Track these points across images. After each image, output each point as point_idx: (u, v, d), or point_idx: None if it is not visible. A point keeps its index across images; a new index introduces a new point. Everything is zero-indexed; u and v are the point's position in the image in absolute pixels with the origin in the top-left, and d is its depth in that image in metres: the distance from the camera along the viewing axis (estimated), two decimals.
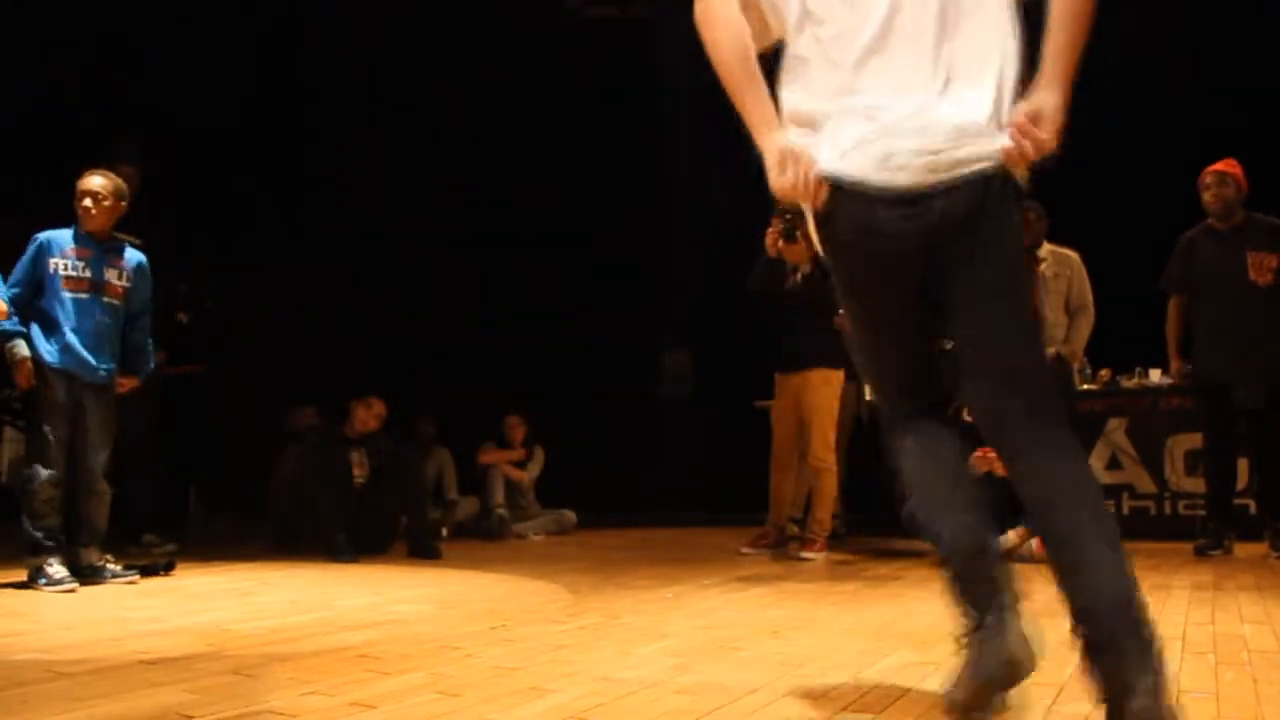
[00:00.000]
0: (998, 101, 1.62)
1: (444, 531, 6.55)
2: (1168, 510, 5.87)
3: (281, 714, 1.88)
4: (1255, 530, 5.02)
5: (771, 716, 1.84)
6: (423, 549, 5.26)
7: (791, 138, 1.71)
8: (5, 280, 4.01)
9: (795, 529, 5.43)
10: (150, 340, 4.41)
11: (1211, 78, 6.48)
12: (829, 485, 5.06)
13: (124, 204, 4.20)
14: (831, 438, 5.08)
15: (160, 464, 5.67)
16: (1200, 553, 4.81)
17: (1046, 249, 5.50)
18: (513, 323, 8.42)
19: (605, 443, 8.17)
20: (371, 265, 8.16)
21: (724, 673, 2.21)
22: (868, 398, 6.37)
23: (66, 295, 4.02)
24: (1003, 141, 1.60)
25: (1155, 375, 5.96)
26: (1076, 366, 5.78)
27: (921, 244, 1.64)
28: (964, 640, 1.77)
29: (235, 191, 7.62)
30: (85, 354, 4.02)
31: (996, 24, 1.65)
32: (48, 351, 3.98)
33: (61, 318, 4.01)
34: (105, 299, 4.12)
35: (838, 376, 5.11)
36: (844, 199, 1.66)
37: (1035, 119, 1.58)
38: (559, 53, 7.92)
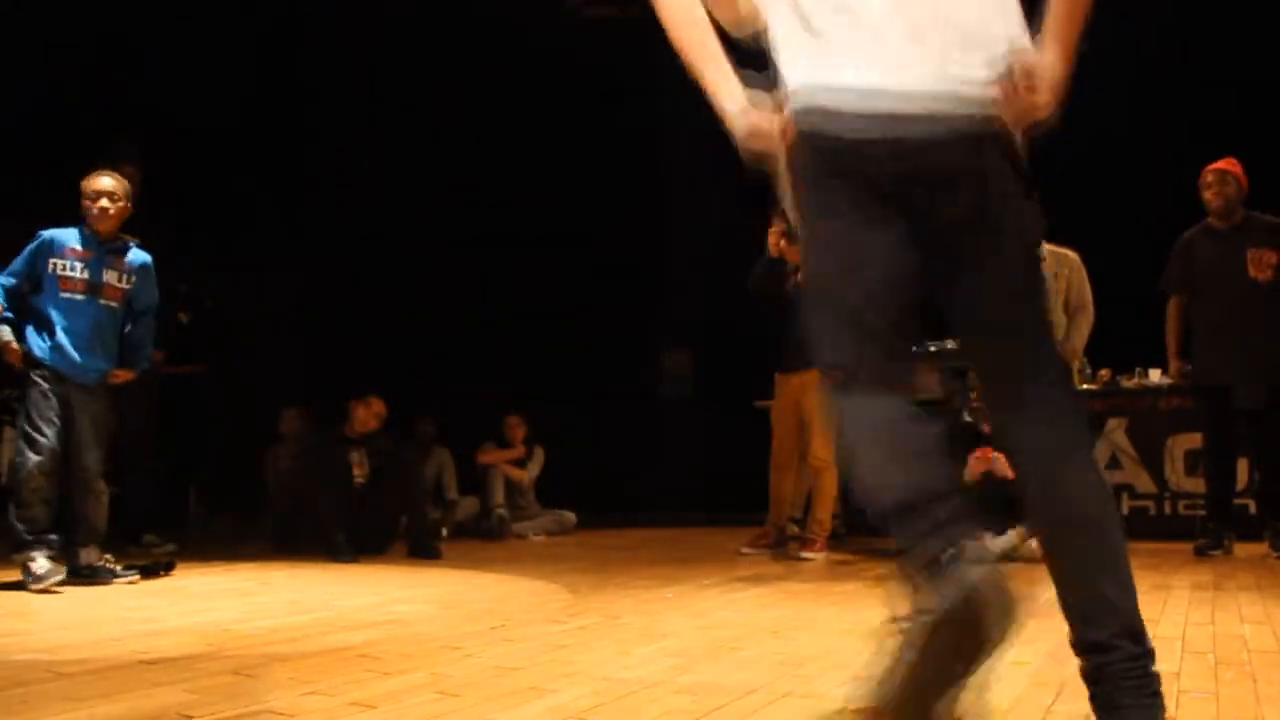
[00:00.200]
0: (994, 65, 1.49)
1: (444, 531, 6.56)
2: (1168, 510, 5.87)
3: (281, 714, 1.88)
4: (1255, 530, 5.02)
5: (771, 716, 1.84)
6: (423, 549, 5.26)
7: (749, 97, 1.59)
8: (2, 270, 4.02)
9: (795, 529, 5.43)
10: (150, 337, 4.40)
11: (1211, 75, 6.48)
12: (829, 485, 5.06)
13: (129, 205, 4.21)
14: (832, 438, 5.08)
15: (160, 464, 5.67)
16: (1200, 553, 4.81)
17: (1046, 249, 5.49)
18: (513, 323, 8.42)
19: (605, 443, 8.16)
20: (371, 265, 8.16)
21: (724, 673, 2.21)
22: None
23: (62, 296, 4.02)
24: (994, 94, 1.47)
25: (1155, 375, 5.96)
26: (1076, 366, 5.78)
27: (897, 180, 1.49)
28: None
29: (235, 191, 7.62)
30: (75, 355, 4.01)
31: None
32: (38, 348, 3.98)
33: (55, 317, 4.00)
34: (102, 301, 4.11)
35: None
36: (822, 118, 1.50)
37: (1029, 77, 1.46)
38: (559, 53, 7.92)
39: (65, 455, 4.03)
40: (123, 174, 5.30)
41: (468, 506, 6.95)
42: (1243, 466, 5.26)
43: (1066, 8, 1.50)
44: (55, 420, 3.98)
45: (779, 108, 1.55)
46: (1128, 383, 6.13)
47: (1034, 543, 4.60)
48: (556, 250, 8.30)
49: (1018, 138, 1.53)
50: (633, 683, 2.12)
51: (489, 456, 6.84)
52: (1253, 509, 5.31)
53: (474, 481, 6.90)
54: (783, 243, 4.99)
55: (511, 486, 6.83)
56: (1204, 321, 4.94)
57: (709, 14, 1.63)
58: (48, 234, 4.06)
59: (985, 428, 4.78)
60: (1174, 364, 5.12)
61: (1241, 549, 4.88)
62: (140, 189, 5.45)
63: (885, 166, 1.48)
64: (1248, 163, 4.96)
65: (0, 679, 2.18)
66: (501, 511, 6.65)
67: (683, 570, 4.40)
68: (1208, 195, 4.91)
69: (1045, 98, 1.47)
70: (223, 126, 7.29)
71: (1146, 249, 5.27)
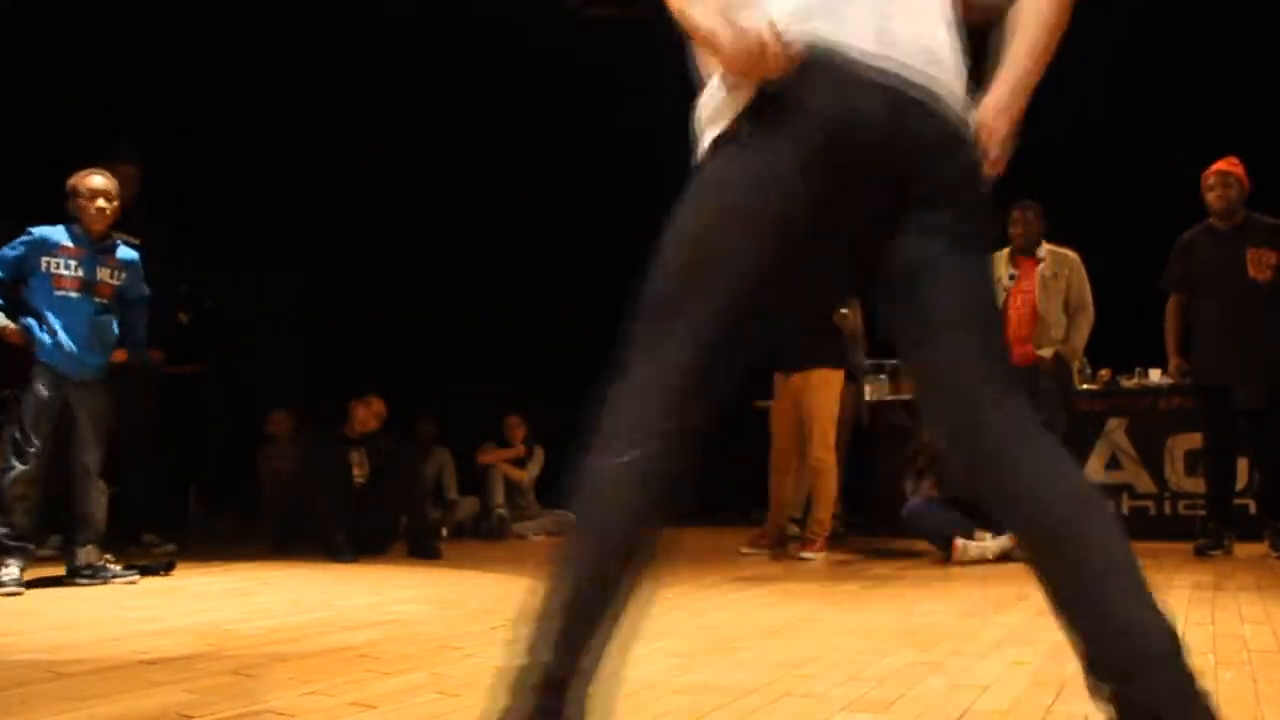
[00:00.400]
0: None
1: (444, 531, 6.56)
2: (1168, 510, 5.87)
3: (281, 714, 1.88)
4: (1255, 530, 5.03)
5: (771, 716, 1.84)
6: (423, 549, 5.26)
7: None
8: None
9: (795, 529, 5.43)
10: (144, 322, 4.40)
11: (1210, 74, 6.48)
12: (829, 485, 5.06)
13: (119, 204, 4.22)
14: (831, 438, 5.08)
15: (160, 463, 5.67)
16: (1200, 553, 4.81)
17: (1046, 249, 5.51)
18: (513, 323, 8.41)
19: None
20: (371, 265, 8.16)
21: (724, 673, 2.21)
22: (867, 398, 6.38)
23: (57, 294, 4.02)
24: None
25: (1155, 375, 5.96)
26: (1076, 366, 5.78)
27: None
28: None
29: (235, 191, 7.62)
30: (74, 349, 4.02)
31: None
32: (39, 343, 3.98)
33: (51, 315, 4.01)
34: (96, 298, 4.12)
35: (838, 377, 5.11)
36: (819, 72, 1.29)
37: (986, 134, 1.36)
38: (559, 53, 7.92)
39: (64, 454, 4.04)
40: (120, 174, 5.31)
41: (468, 506, 6.95)
42: (1243, 466, 5.26)
43: (1041, 45, 1.39)
44: (49, 426, 3.97)
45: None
46: (1128, 383, 6.13)
47: None
48: (556, 250, 8.29)
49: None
50: (633, 683, 2.12)
51: (489, 456, 6.85)
52: (1253, 509, 5.32)
53: (474, 481, 6.90)
54: None
55: (511, 486, 6.83)
56: (1204, 321, 4.94)
57: None
58: (39, 231, 4.06)
59: None
60: (1173, 362, 5.12)
61: (1241, 549, 4.88)
62: (140, 189, 5.46)
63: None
64: (1250, 161, 4.96)
65: (0, 679, 2.18)
66: (501, 511, 6.66)
67: (683, 570, 4.40)
68: (1210, 197, 4.92)
69: (999, 154, 1.39)
70: (223, 126, 7.29)
71: (1146, 249, 5.27)
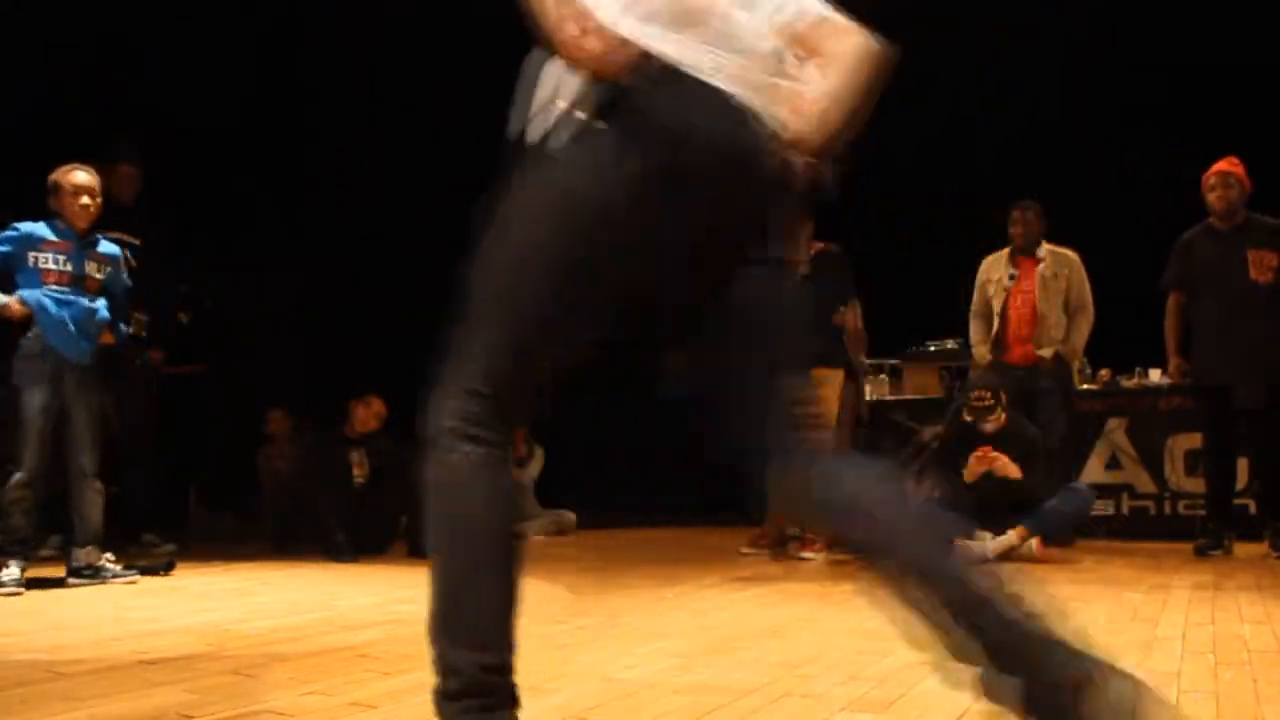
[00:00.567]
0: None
1: None
2: (1168, 510, 5.87)
3: (281, 714, 1.88)
4: (1255, 530, 5.02)
5: (771, 716, 1.84)
6: (423, 549, 5.25)
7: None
8: None
9: (795, 529, 5.42)
10: (124, 314, 4.40)
11: (1209, 74, 6.48)
12: None
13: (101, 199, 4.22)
14: (831, 438, 5.08)
15: (160, 463, 5.67)
16: (1200, 553, 4.81)
17: (1046, 249, 5.51)
18: None
19: (605, 443, 8.16)
20: (371, 265, 8.16)
21: (724, 673, 2.21)
22: (867, 397, 6.38)
23: (49, 288, 4.02)
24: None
25: (1155, 375, 5.96)
26: (1076, 366, 5.79)
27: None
28: None
29: (235, 191, 7.62)
30: (72, 328, 4.02)
31: None
32: (40, 316, 3.98)
33: (47, 303, 4.00)
34: (85, 292, 4.12)
35: (837, 376, 5.11)
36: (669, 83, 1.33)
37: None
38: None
39: (61, 454, 4.04)
40: (120, 174, 5.31)
41: None
42: (1243, 466, 5.26)
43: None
44: (46, 427, 3.97)
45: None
46: (1128, 383, 6.13)
47: (1034, 542, 4.61)
48: None
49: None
50: (633, 683, 2.12)
51: None
52: (1253, 509, 5.31)
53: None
54: None
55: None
56: (1204, 322, 4.94)
57: None
58: (24, 227, 4.06)
59: (985, 427, 4.78)
60: (1173, 361, 5.12)
61: (1241, 549, 4.88)
62: (140, 189, 5.47)
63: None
64: (1251, 161, 4.97)
65: (0, 679, 2.18)
66: None
67: (683, 570, 4.40)
68: (1211, 197, 4.91)
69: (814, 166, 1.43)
70: (223, 126, 7.29)
71: (1146, 249, 5.27)
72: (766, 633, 2.77)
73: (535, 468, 6.97)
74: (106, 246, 4.28)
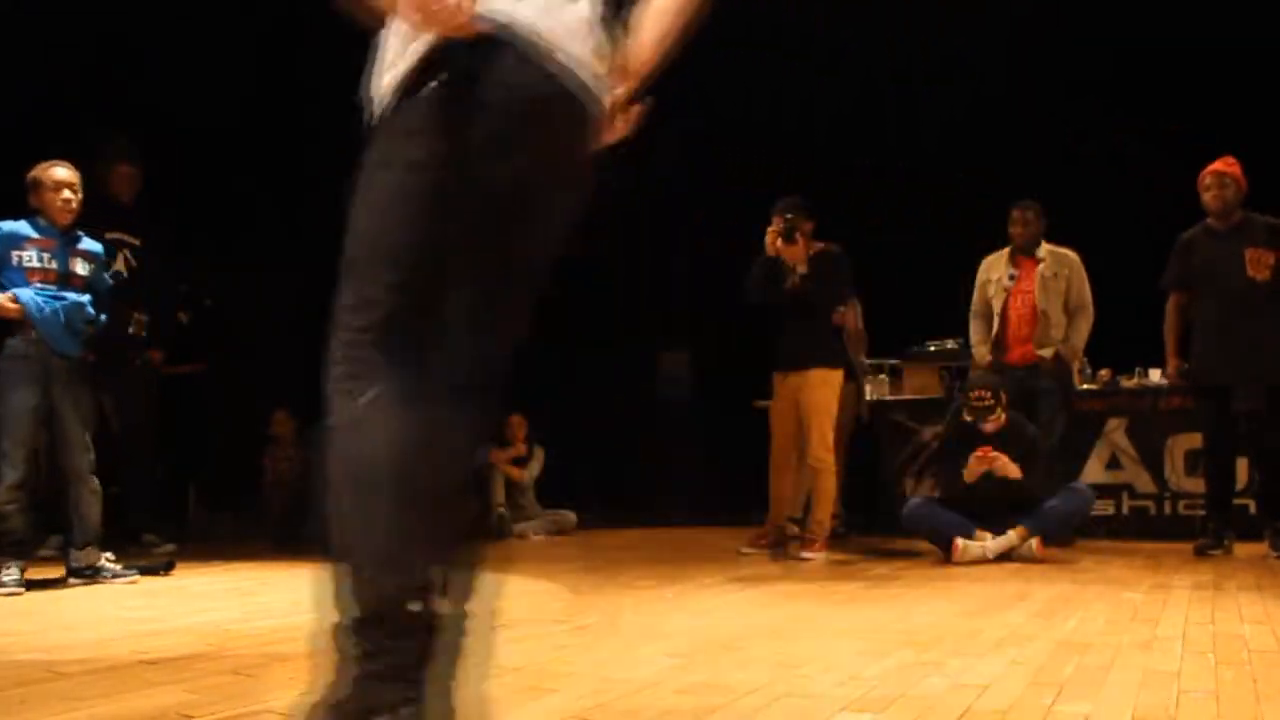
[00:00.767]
0: None
1: None
2: (1168, 510, 5.87)
3: (281, 714, 1.88)
4: (1255, 530, 5.02)
5: (771, 716, 1.84)
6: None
7: None
8: None
9: (795, 529, 5.43)
10: (105, 309, 4.36)
11: (1208, 74, 6.49)
12: (828, 485, 5.06)
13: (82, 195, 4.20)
14: (830, 437, 5.07)
15: (160, 463, 5.67)
16: (1200, 552, 4.81)
17: (1045, 249, 5.51)
18: None
19: (605, 443, 8.16)
20: None
21: (724, 673, 2.21)
22: (867, 397, 6.38)
23: (34, 286, 4.00)
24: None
25: (1155, 375, 5.96)
26: (1076, 366, 5.79)
27: None
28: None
29: (235, 191, 7.62)
30: (61, 320, 4.01)
31: None
32: (30, 307, 3.96)
33: (29, 308, 3.97)
34: (71, 289, 4.10)
35: (836, 376, 5.11)
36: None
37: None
38: None
39: (54, 460, 4.04)
40: (119, 174, 5.31)
41: None
42: (1243, 466, 5.26)
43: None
44: (35, 429, 3.96)
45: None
46: (1128, 383, 6.13)
47: (1034, 542, 4.61)
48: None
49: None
50: (633, 683, 2.12)
51: (489, 456, 6.84)
52: (1253, 509, 5.31)
53: (474, 481, 6.89)
54: (779, 242, 4.99)
55: (512, 486, 6.83)
56: (1203, 321, 4.94)
57: None
58: (5, 226, 4.04)
59: (985, 427, 4.78)
60: (1172, 362, 5.12)
61: (1241, 549, 4.88)
62: (140, 189, 5.46)
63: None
64: (1253, 161, 4.97)
65: (0, 679, 2.18)
66: (502, 511, 6.65)
67: (683, 570, 4.40)
68: (1206, 198, 4.92)
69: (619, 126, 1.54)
70: (223, 126, 7.29)
71: (1146, 249, 5.27)
72: (766, 633, 2.77)
73: (535, 468, 6.97)
74: (89, 243, 4.23)
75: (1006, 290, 5.50)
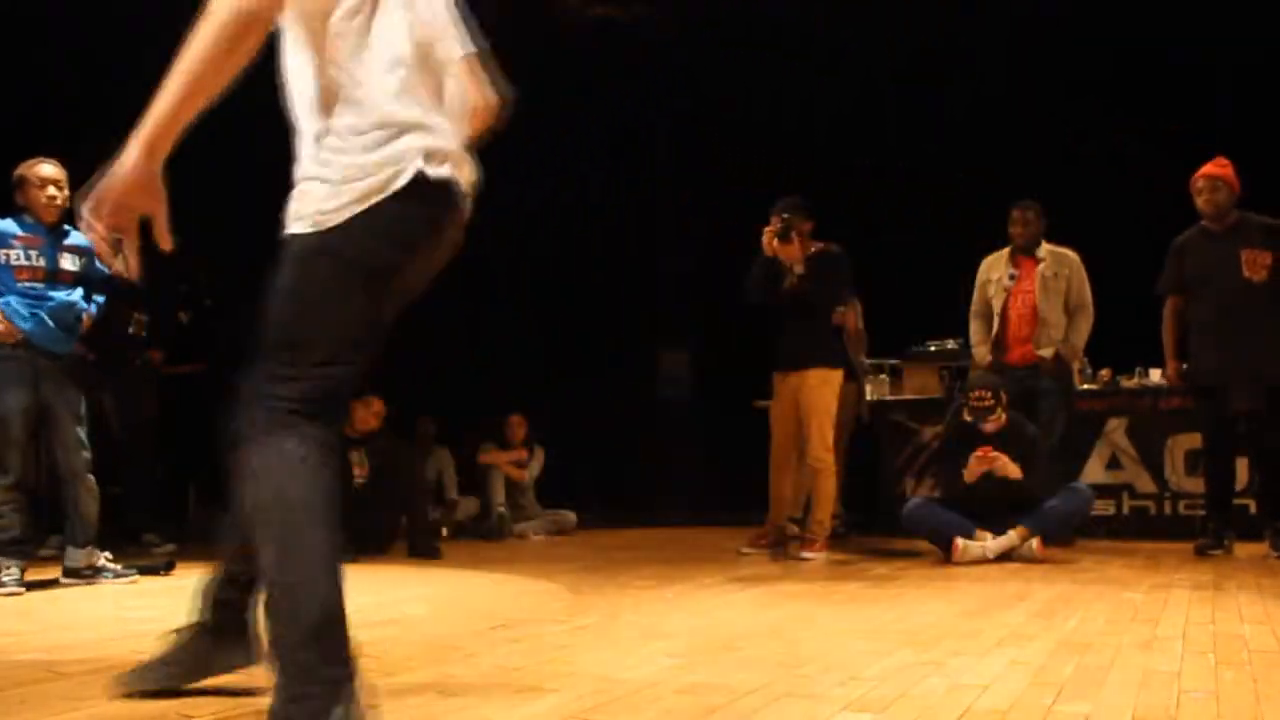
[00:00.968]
0: None
1: (444, 531, 6.55)
2: (1168, 510, 5.87)
3: None
4: (1255, 530, 5.02)
5: (771, 716, 1.84)
6: (423, 549, 5.26)
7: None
8: None
9: (795, 529, 5.43)
10: (102, 290, 4.34)
11: (1208, 74, 6.49)
12: (828, 485, 5.06)
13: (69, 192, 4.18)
14: (830, 437, 5.07)
15: (160, 463, 5.67)
16: (1200, 552, 4.81)
17: (1046, 248, 5.51)
18: (513, 323, 8.41)
19: (605, 443, 8.16)
20: None
21: (724, 673, 2.21)
22: (867, 397, 6.38)
23: (21, 285, 3.98)
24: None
25: (1155, 375, 5.96)
26: (1076, 366, 5.79)
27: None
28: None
29: (236, 191, 7.62)
30: (50, 322, 3.99)
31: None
32: (15, 316, 3.94)
33: (17, 306, 3.96)
34: (60, 286, 4.07)
35: (836, 376, 5.11)
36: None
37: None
38: (559, 52, 7.92)
39: (52, 461, 4.04)
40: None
41: (468, 506, 6.94)
42: (1243, 466, 5.26)
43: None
44: (28, 430, 3.95)
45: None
46: (1128, 383, 6.13)
47: (1034, 542, 4.61)
48: (555, 250, 8.29)
49: None
50: (633, 683, 2.12)
51: (489, 456, 6.84)
52: (1253, 509, 5.32)
53: (474, 481, 6.90)
54: (775, 242, 4.98)
55: (512, 486, 6.83)
56: (1200, 323, 4.94)
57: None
58: None
59: (985, 427, 4.78)
60: (1171, 365, 5.12)
61: (1241, 549, 4.88)
62: None
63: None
64: (1254, 161, 4.97)
65: (0, 679, 2.18)
66: (503, 510, 6.65)
67: (683, 570, 4.40)
68: (1199, 201, 4.92)
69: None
70: (222, 126, 7.28)
71: (1147, 249, 5.27)
72: (766, 633, 2.77)
73: (535, 468, 6.97)
74: (77, 237, 4.17)
75: (1007, 290, 5.50)
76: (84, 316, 4.19)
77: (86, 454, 4.10)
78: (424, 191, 1.68)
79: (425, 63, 1.79)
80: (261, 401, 1.68)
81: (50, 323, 4.01)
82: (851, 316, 6.01)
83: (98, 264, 4.30)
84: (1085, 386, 6.09)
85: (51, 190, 4.03)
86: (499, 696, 2.01)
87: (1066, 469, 5.25)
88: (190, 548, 5.38)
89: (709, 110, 8.26)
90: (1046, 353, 5.37)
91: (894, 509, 5.40)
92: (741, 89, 7.74)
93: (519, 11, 7.51)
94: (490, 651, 2.50)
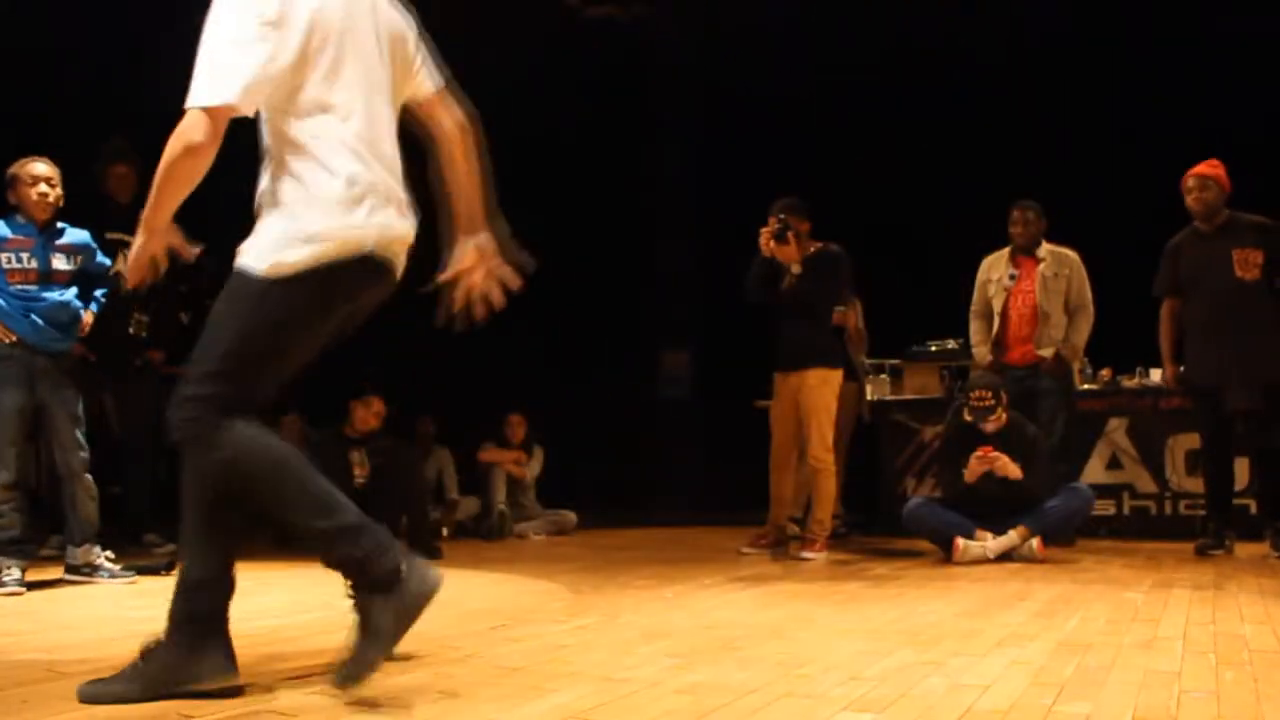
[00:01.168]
0: None
1: (444, 531, 6.55)
2: (1168, 510, 5.87)
3: (281, 714, 1.88)
4: (1255, 530, 5.02)
5: (771, 716, 1.84)
6: (423, 549, 5.25)
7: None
8: None
9: (795, 529, 5.43)
10: (105, 282, 4.32)
11: (1207, 75, 6.49)
12: (828, 485, 5.06)
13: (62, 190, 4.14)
14: (830, 437, 5.07)
15: (160, 463, 5.67)
16: (1201, 552, 4.81)
17: (1046, 248, 5.51)
18: (512, 323, 8.40)
19: (605, 443, 8.16)
20: None
21: (724, 673, 2.21)
22: (867, 397, 6.38)
23: (13, 288, 3.95)
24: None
25: (1156, 375, 5.95)
26: (1077, 366, 5.78)
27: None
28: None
29: (235, 191, 7.61)
30: (42, 323, 3.97)
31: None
32: (7, 318, 3.93)
33: (10, 309, 3.94)
34: (54, 286, 4.04)
35: (836, 376, 5.10)
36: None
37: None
38: (559, 53, 7.92)
39: (51, 460, 4.03)
40: (119, 174, 5.30)
41: (468, 506, 6.94)
42: (1243, 466, 5.26)
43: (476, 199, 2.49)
44: (24, 430, 3.94)
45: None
46: (1128, 383, 6.13)
47: (1034, 542, 4.61)
48: (555, 250, 8.27)
49: None
50: (633, 683, 2.12)
51: (490, 456, 6.83)
52: (1253, 509, 5.31)
53: (474, 481, 6.89)
54: (772, 243, 4.98)
55: (513, 485, 6.82)
56: (1195, 323, 4.94)
57: None
58: None
59: (986, 427, 4.77)
60: (1169, 368, 5.12)
61: (1242, 549, 4.88)
62: (140, 189, 5.45)
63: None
64: (1253, 161, 4.97)
65: (0, 679, 2.18)
66: (504, 509, 6.64)
67: (683, 570, 4.39)
68: (1189, 201, 4.92)
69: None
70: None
71: (1147, 249, 5.27)
72: (766, 633, 2.77)
73: (535, 467, 6.96)
74: (74, 235, 4.15)
75: (1007, 290, 5.50)
76: (84, 316, 4.18)
77: (84, 454, 4.09)
78: (374, 264, 2.09)
79: (380, 119, 2.20)
80: (199, 402, 1.98)
81: (42, 323, 3.99)
82: (852, 316, 6.00)
83: (99, 258, 4.30)
84: (1086, 386, 6.08)
85: (43, 187, 3.98)
86: (499, 696, 2.01)
87: (1067, 469, 5.25)
88: None
89: (710, 110, 8.27)
90: (1047, 352, 5.37)
91: (894, 509, 5.40)
92: (742, 88, 7.74)
93: (521, 11, 7.53)
94: (490, 651, 2.50)
